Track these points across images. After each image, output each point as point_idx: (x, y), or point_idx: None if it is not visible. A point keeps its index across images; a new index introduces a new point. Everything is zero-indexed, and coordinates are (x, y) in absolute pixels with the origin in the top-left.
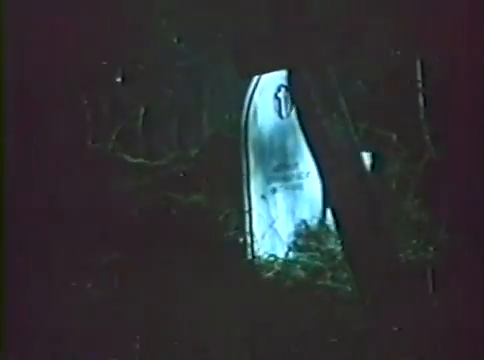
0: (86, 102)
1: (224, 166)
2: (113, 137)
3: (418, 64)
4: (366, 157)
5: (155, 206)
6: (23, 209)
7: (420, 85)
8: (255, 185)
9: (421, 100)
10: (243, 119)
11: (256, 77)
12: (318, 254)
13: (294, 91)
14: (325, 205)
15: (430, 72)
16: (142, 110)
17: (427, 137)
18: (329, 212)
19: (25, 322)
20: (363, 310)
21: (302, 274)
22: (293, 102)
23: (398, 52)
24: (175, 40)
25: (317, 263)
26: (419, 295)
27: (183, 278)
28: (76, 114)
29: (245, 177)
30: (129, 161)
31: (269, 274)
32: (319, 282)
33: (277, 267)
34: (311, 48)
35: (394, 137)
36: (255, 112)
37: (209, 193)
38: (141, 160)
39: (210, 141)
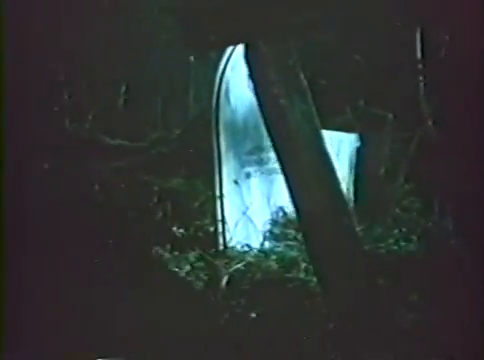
0: (63, 79)
1: (204, 148)
2: (90, 117)
3: (418, 37)
4: (353, 139)
5: (131, 191)
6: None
7: (420, 63)
8: (227, 169)
9: (421, 77)
10: (214, 97)
11: (229, 49)
12: (296, 243)
13: (251, 67)
14: None
15: (430, 47)
16: (123, 87)
17: (426, 117)
18: None
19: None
20: (328, 305)
21: (274, 266)
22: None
23: (398, 24)
24: (157, 11)
25: (293, 254)
26: (395, 289)
27: (147, 268)
28: (53, 93)
29: (216, 161)
30: (107, 142)
31: (238, 266)
32: (290, 275)
33: (249, 258)
34: (272, 19)
35: (390, 117)
36: (227, 90)
37: (189, 177)
38: (120, 141)
39: (195, 120)
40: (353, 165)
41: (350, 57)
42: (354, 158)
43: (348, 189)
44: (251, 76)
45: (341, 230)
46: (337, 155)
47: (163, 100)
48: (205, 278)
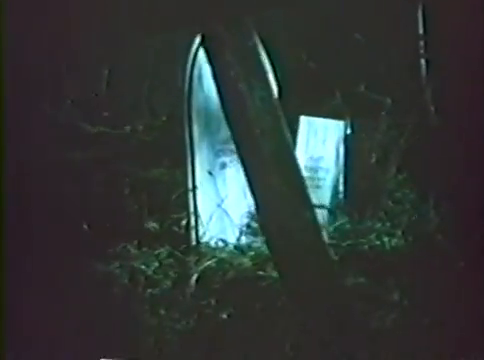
0: (42, 60)
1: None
2: (69, 102)
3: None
4: (340, 126)
5: (108, 182)
6: None
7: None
8: (200, 159)
9: (423, 60)
10: (186, 83)
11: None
12: None
13: (209, 49)
14: None
15: (433, 26)
16: (106, 71)
17: (427, 102)
18: None
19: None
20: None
21: (248, 263)
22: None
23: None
24: None
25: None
26: (374, 287)
27: (112, 264)
28: (32, 75)
29: (188, 150)
30: (87, 130)
31: (209, 263)
32: (264, 273)
33: (222, 254)
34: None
35: (388, 101)
36: (200, 75)
37: (171, 167)
38: (100, 128)
39: (183, 105)
40: (341, 154)
41: (349, 35)
42: (342, 146)
43: (337, 180)
44: (210, 61)
45: (303, 225)
46: (323, 143)
47: (149, 84)
48: (174, 276)
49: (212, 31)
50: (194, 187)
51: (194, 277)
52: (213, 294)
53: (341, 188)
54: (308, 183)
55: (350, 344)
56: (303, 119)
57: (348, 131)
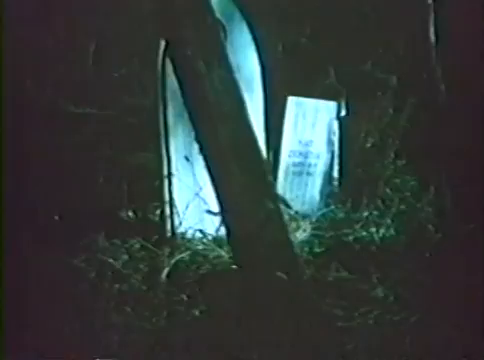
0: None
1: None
2: (52, 80)
3: None
4: (332, 107)
5: (89, 167)
6: None
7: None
8: (176, 144)
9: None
10: (159, 63)
11: None
12: None
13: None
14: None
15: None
16: (92, 46)
17: (438, 79)
18: (280, 178)
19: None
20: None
21: (224, 256)
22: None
23: None
24: None
25: None
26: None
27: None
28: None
29: (163, 134)
30: (71, 111)
31: (182, 256)
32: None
33: (197, 246)
34: None
35: (393, 80)
36: None
37: (159, 152)
38: (85, 109)
39: (157, 87)
40: (333, 138)
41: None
42: (333, 129)
43: (330, 166)
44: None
45: (264, 216)
46: (313, 126)
47: (138, 61)
48: (145, 270)
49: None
50: (169, 174)
51: (165, 271)
52: (185, 290)
53: (336, 175)
54: (297, 169)
55: (320, 340)
56: (291, 100)
57: (343, 113)
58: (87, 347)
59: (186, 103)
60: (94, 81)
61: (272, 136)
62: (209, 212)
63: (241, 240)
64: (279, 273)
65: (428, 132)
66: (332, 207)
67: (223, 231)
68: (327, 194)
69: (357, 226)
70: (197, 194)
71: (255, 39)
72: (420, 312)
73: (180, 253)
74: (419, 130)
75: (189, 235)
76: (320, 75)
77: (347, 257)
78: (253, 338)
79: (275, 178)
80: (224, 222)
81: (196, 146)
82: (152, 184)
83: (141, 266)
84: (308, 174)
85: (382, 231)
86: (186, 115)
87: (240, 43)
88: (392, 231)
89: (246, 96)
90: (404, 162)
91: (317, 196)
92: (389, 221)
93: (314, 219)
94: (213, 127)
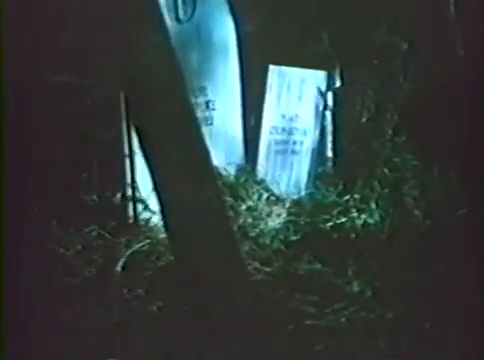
0: None
1: None
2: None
3: None
4: (321, 77)
5: (58, 145)
6: None
7: None
8: None
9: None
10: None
11: None
12: (231, 213)
13: None
14: (247, 146)
15: None
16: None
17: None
18: (261, 158)
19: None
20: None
21: None
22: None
23: None
24: None
25: None
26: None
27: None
28: None
29: (123, 107)
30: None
31: (141, 245)
32: None
33: (159, 235)
34: None
35: (405, 47)
36: None
37: (118, 126)
38: (63, 77)
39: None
40: (326, 112)
41: None
42: (322, 103)
43: (319, 143)
44: None
45: (203, 203)
46: (299, 99)
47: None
48: (100, 261)
49: None
50: (131, 152)
51: (120, 263)
52: (142, 283)
53: (329, 154)
54: (280, 148)
55: (284, 339)
56: (273, 69)
57: (337, 84)
58: (31, 344)
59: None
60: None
61: (250, 111)
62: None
63: (178, 230)
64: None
65: (433, 105)
66: (322, 190)
67: None
68: (315, 175)
69: (334, 211)
70: None
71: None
72: (399, 309)
73: (138, 242)
74: (421, 103)
75: (154, 222)
76: (310, 42)
77: (322, 247)
78: (211, 338)
79: (255, 157)
80: (161, 210)
81: None
82: (113, 165)
83: (95, 257)
84: (293, 153)
85: (364, 217)
86: None
87: (213, 2)
88: (376, 217)
89: (220, 66)
90: (403, 139)
91: (304, 177)
92: (373, 205)
93: (288, 204)
94: (148, 103)
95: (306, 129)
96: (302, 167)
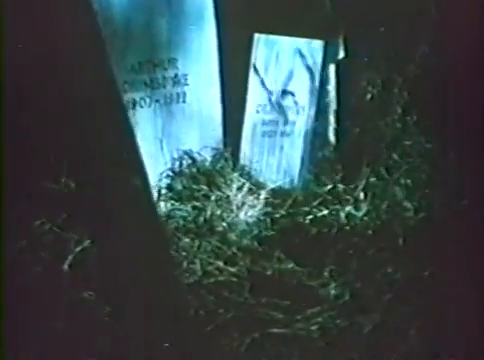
0: None
1: None
2: None
3: None
4: (317, 47)
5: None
6: None
7: None
8: None
9: None
10: None
11: None
12: (206, 203)
13: None
14: (226, 126)
15: None
16: None
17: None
18: (244, 140)
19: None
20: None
21: None
22: None
23: None
24: None
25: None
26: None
27: None
28: None
29: None
30: None
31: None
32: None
33: None
34: None
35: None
36: None
37: None
38: None
39: None
40: (320, 88)
41: None
42: (318, 77)
43: (313, 123)
44: None
45: (129, 194)
46: (291, 73)
47: None
48: (48, 258)
49: None
50: None
51: (68, 259)
52: (94, 282)
53: (332, 137)
54: (268, 129)
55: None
56: (258, 38)
57: (341, 54)
58: None
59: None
60: None
61: (231, 87)
62: None
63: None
64: None
65: (449, 80)
66: (320, 179)
67: (163, 207)
68: (311, 161)
69: (315, 202)
70: None
71: None
72: (380, 315)
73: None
74: (435, 78)
75: None
76: (306, 5)
77: (296, 244)
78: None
79: (237, 140)
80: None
81: (125, 98)
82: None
83: (44, 254)
84: (283, 135)
85: (348, 209)
86: (117, 57)
87: None
88: (363, 209)
89: (194, 34)
90: (415, 119)
91: (297, 164)
92: (361, 195)
93: (265, 194)
94: (69, 78)
95: (300, 108)
96: (294, 151)
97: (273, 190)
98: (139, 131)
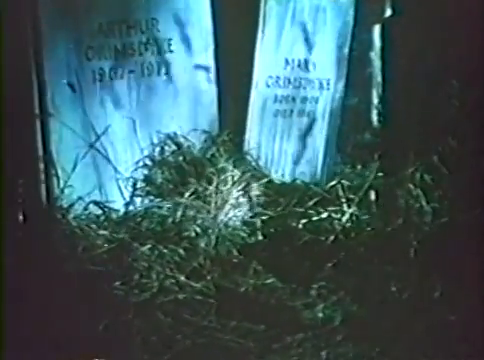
0: None
1: None
2: None
3: None
4: (345, 4)
5: None
6: None
7: None
8: (51, 66)
9: None
10: None
11: None
12: (184, 200)
13: None
14: (222, 103)
15: None
16: None
17: None
18: (251, 121)
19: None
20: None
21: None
22: None
23: None
24: None
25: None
26: None
27: None
28: None
29: (30, 51)
30: None
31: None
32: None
33: (76, 225)
34: None
35: None
36: None
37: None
38: None
39: None
40: (349, 56)
41: None
42: (348, 42)
43: (341, 100)
44: None
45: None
46: (312, 35)
47: None
48: None
49: None
50: (43, 113)
51: None
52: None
53: (375, 118)
54: (282, 107)
55: None
56: None
57: (388, 12)
58: None
59: None
60: None
61: (231, 53)
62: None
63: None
64: None
65: None
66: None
67: (138, 204)
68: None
69: (310, 202)
70: (92, 145)
71: None
72: (379, 346)
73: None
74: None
75: (76, 208)
76: None
77: (282, 254)
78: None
79: (239, 121)
80: None
81: (91, 68)
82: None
83: None
84: (302, 114)
85: (351, 211)
86: (71, 20)
87: None
88: (366, 212)
89: None
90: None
91: (320, 151)
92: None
93: (255, 192)
94: None
95: (322, 81)
96: (317, 136)
97: (269, 185)
98: (107, 111)
